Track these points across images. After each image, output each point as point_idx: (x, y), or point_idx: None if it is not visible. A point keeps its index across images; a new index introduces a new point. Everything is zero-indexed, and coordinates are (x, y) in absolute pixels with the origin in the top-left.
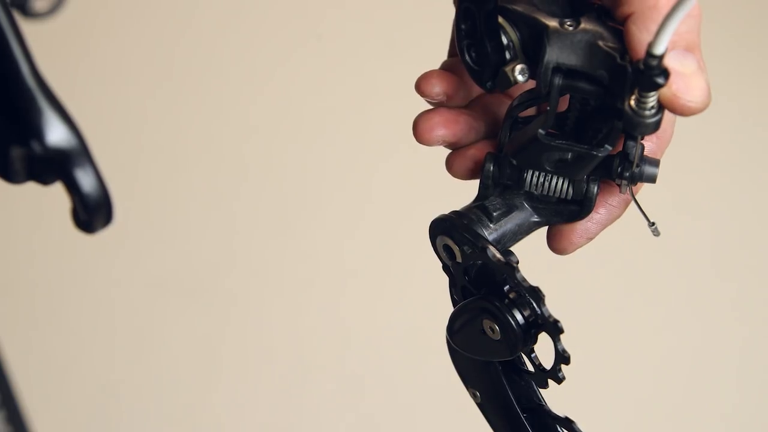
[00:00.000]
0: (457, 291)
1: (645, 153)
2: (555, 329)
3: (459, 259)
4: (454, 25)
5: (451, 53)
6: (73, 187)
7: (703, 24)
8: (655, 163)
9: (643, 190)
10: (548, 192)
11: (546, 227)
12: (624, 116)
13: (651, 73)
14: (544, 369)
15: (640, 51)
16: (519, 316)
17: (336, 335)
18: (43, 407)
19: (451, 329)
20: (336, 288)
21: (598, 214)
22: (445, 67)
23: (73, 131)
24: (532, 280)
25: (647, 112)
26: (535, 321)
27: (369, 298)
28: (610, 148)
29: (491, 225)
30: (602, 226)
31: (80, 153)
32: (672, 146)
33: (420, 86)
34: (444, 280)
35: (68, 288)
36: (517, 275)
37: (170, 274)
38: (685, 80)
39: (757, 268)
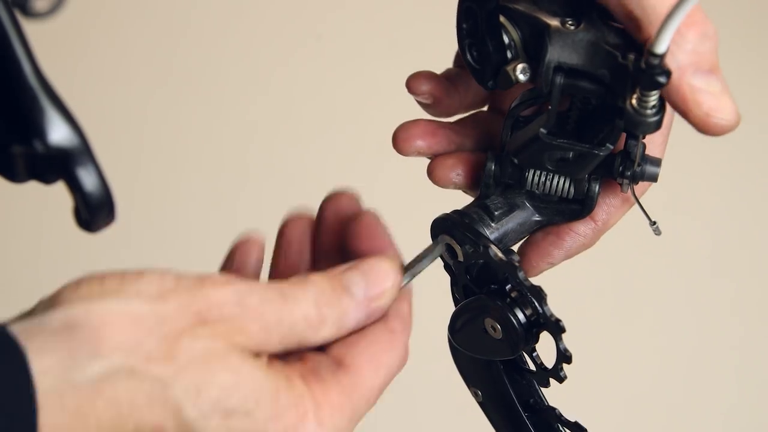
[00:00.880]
0: (458, 290)
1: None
2: (557, 328)
3: (461, 258)
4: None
5: (456, 64)
6: (75, 186)
7: None
8: (657, 162)
9: (642, 190)
10: (550, 191)
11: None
12: (625, 115)
13: (652, 72)
14: (545, 368)
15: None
16: (521, 315)
17: None
18: None
19: (452, 328)
20: None
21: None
22: (443, 73)
23: (75, 130)
24: (534, 279)
25: (648, 111)
26: (536, 320)
27: None
28: (611, 147)
29: (493, 224)
30: (567, 254)
31: (82, 152)
32: (671, 146)
33: (409, 83)
34: (445, 278)
35: None
36: (519, 274)
37: None
38: (715, 100)
39: (757, 268)
